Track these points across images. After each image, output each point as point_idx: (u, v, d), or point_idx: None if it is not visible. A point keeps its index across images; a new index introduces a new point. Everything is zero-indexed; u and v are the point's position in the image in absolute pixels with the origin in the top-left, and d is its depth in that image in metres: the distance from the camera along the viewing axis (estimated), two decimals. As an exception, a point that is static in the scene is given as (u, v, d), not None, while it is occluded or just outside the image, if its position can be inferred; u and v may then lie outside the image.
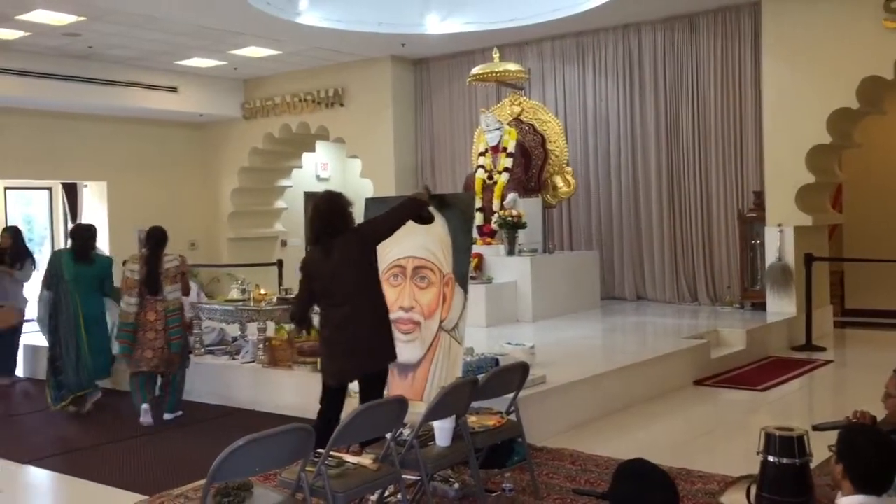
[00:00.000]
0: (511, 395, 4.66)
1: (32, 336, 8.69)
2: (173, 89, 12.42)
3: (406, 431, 4.10)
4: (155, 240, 6.71)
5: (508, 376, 4.66)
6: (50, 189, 13.77)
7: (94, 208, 13.16)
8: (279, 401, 6.61)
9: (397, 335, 4.96)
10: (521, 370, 4.71)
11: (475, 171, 10.17)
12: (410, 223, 4.89)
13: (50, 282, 7.08)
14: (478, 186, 9.94)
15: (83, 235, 7.23)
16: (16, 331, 8.65)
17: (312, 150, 14.32)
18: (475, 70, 10.35)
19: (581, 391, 6.14)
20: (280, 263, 12.00)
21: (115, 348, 7.15)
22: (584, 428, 5.90)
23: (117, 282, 7.10)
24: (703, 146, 10.21)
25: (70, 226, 12.04)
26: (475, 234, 9.71)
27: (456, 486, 4.54)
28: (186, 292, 6.85)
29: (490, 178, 9.95)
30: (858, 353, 8.94)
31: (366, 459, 3.78)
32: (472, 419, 4.45)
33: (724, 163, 10.05)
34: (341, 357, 4.56)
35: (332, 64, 12.24)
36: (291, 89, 12.84)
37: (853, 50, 8.59)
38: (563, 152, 10.41)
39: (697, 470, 4.83)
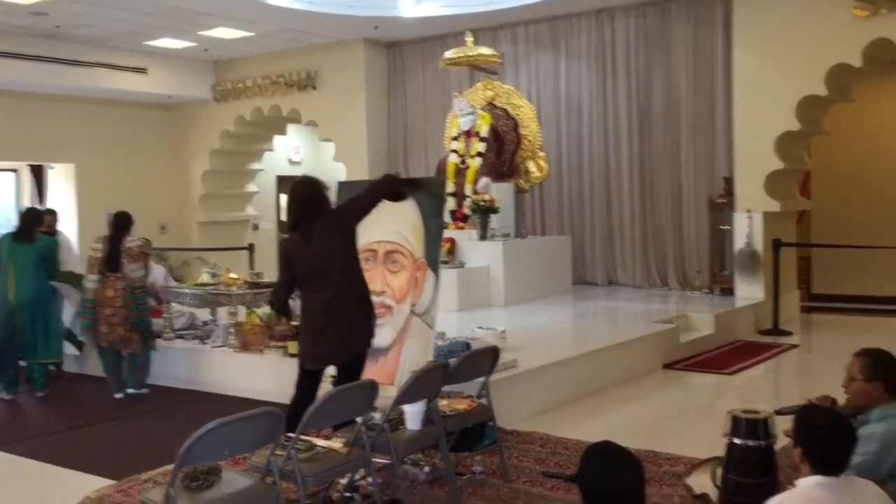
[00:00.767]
0: (482, 379, 4.69)
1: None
2: (142, 70, 12.24)
3: (377, 415, 4.11)
4: (119, 223, 6.85)
5: (479, 360, 4.68)
6: (16, 171, 13.54)
7: (62, 191, 12.96)
8: (250, 385, 6.58)
9: (370, 319, 4.96)
10: (492, 354, 4.74)
11: (448, 156, 10.15)
12: (384, 204, 4.90)
13: None
14: (450, 171, 9.93)
15: (26, 215, 7.37)
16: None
17: (284, 133, 14.21)
18: (448, 54, 10.32)
19: (552, 375, 6.19)
20: (251, 247, 11.93)
21: (77, 326, 7.21)
22: (555, 411, 5.94)
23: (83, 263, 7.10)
24: (674, 132, 10.28)
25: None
26: (447, 218, 9.74)
27: (426, 469, 4.56)
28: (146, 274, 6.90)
29: (463, 162, 9.94)
30: (824, 338, 9.08)
31: (336, 443, 3.79)
32: (442, 403, 4.47)
33: (695, 149, 10.13)
34: (323, 341, 4.55)
35: (305, 46, 12.14)
36: (263, 71, 12.72)
37: (822, 38, 8.68)
38: (536, 137, 10.43)
39: (665, 452, 4.89)
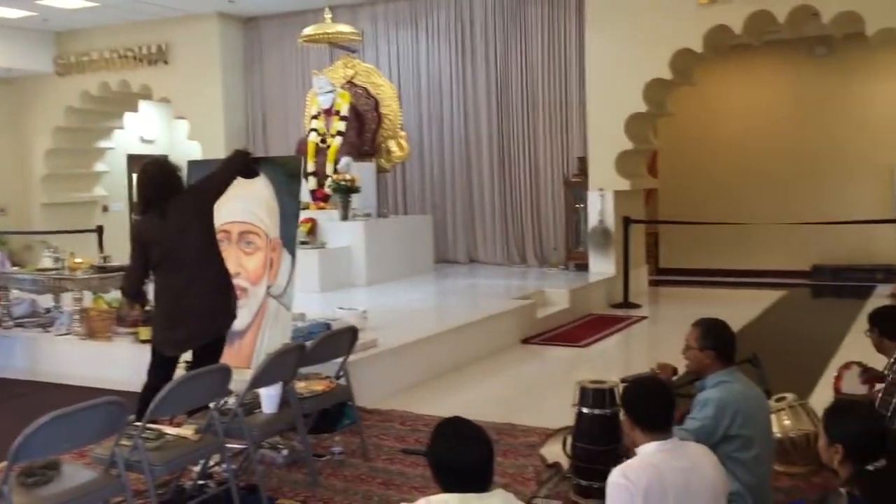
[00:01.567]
0: (340, 360, 4.66)
1: None
2: (-26, 41, 11.37)
3: (231, 400, 4.02)
4: None
5: (337, 341, 4.66)
6: None
7: None
8: (99, 374, 6.25)
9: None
10: (351, 334, 4.72)
11: (308, 135, 9.99)
12: (237, 183, 4.78)
13: None
14: (311, 150, 9.77)
15: None
16: None
17: (136, 110, 13.54)
18: (307, 31, 10.12)
19: (412, 353, 6.24)
20: (100, 229, 11.33)
21: None
22: (415, 389, 6.00)
23: None
24: (531, 113, 10.52)
25: None
26: (308, 198, 9.59)
27: (284, 452, 4.50)
28: None
29: (323, 141, 9.80)
30: (670, 309, 9.60)
31: (187, 430, 3.67)
32: (300, 385, 4.42)
33: (551, 129, 10.41)
34: (183, 324, 4.39)
35: (155, 18, 11.60)
36: (110, 44, 12.06)
37: (667, 23, 9.08)
38: (397, 116, 10.41)
39: (521, 424, 5.04)
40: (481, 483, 2.31)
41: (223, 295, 4.53)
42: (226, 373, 3.77)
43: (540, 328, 7.94)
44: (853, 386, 4.53)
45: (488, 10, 10.62)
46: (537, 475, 4.23)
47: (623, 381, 3.75)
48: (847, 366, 4.65)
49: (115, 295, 6.36)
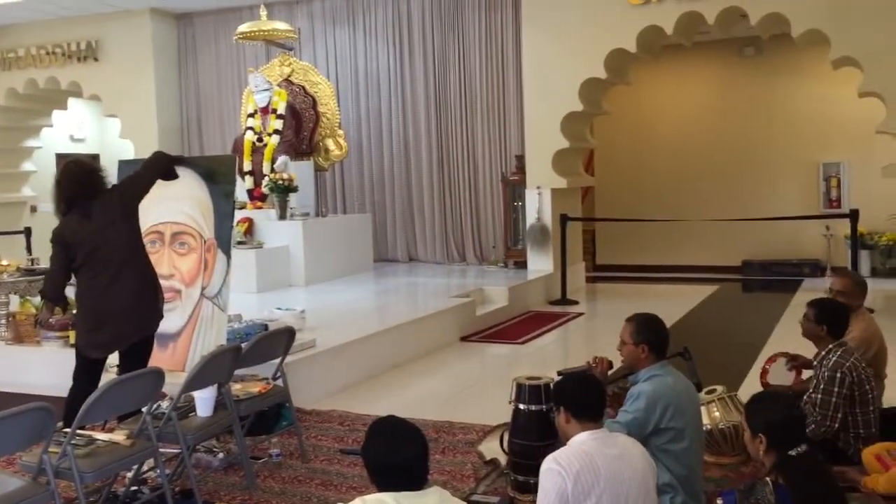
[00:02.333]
0: (277, 361, 4.62)
1: None
2: None
3: (165, 404, 3.95)
4: None
5: (274, 342, 4.61)
6: None
7: None
8: (27, 380, 6.08)
9: (157, 304, 4.75)
10: (288, 335, 4.68)
11: (244, 133, 9.86)
12: (171, 184, 4.74)
13: None
14: (247, 149, 9.66)
15: None
16: None
17: (65, 108, 13.17)
18: (242, 28, 9.99)
19: (351, 353, 6.21)
20: (28, 231, 11.00)
21: None
22: (355, 389, 5.98)
23: None
24: (469, 111, 10.56)
25: None
26: (245, 198, 9.47)
27: (220, 455, 4.44)
28: None
29: (260, 140, 9.69)
30: (606, 305, 9.76)
31: (118, 435, 3.59)
32: (236, 387, 4.37)
33: (489, 127, 10.47)
34: (108, 326, 4.32)
35: (84, 14, 11.31)
36: (37, 40, 11.72)
37: (602, 23, 9.21)
38: (335, 115, 10.36)
39: (460, 422, 5.07)
40: (416, 481, 2.32)
41: (148, 295, 4.48)
42: (159, 376, 3.70)
43: (479, 326, 7.99)
44: (780, 377, 4.66)
45: (426, 9, 10.63)
46: (475, 472, 4.26)
47: (560, 374, 3.81)
48: (772, 359, 4.79)
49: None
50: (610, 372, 3.87)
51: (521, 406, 3.87)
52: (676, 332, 4.42)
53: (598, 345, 6.81)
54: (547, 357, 7.31)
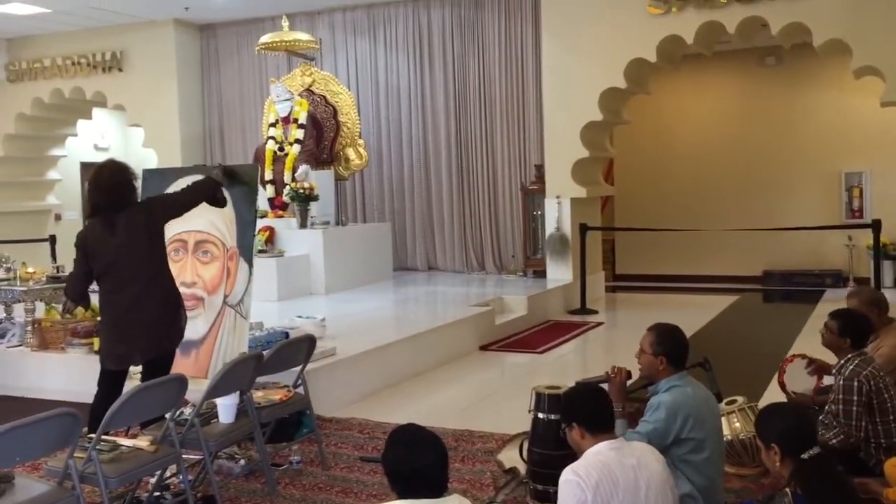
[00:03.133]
0: (298, 368, 4.66)
1: None
2: (-79, 46, 11.12)
3: (188, 410, 4.00)
4: None
5: (295, 349, 4.65)
6: None
7: None
8: (51, 386, 6.17)
9: (180, 312, 4.79)
10: (308, 343, 4.72)
11: (266, 143, 9.95)
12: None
13: None
14: (268, 158, 9.75)
15: None
16: None
17: (89, 117, 13.35)
18: (264, 38, 10.09)
19: (371, 361, 6.24)
20: (53, 239, 11.14)
21: None
22: (374, 397, 6.01)
23: None
24: (489, 120, 10.60)
25: None
26: (267, 206, 9.56)
27: (242, 462, 4.48)
28: None
29: (281, 149, 9.78)
30: (626, 315, 9.72)
31: (142, 441, 3.64)
32: (258, 394, 4.41)
33: (509, 137, 10.50)
34: (126, 340, 4.33)
35: (110, 25, 11.46)
36: (63, 51, 11.89)
37: (621, 33, 9.23)
38: (355, 125, 10.43)
39: (479, 431, 5.08)
40: (436, 488, 2.34)
41: (170, 312, 4.44)
42: (182, 383, 3.75)
43: (498, 335, 8.00)
44: (798, 379, 4.63)
45: (446, 19, 10.70)
46: (494, 481, 4.27)
47: (578, 383, 3.81)
48: (790, 359, 4.77)
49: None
50: (629, 382, 3.87)
51: (541, 415, 3.88)
52: (696, 343, 4.42)
53: (618, 354, 6.79)
54: (566, 366, 7.30)
